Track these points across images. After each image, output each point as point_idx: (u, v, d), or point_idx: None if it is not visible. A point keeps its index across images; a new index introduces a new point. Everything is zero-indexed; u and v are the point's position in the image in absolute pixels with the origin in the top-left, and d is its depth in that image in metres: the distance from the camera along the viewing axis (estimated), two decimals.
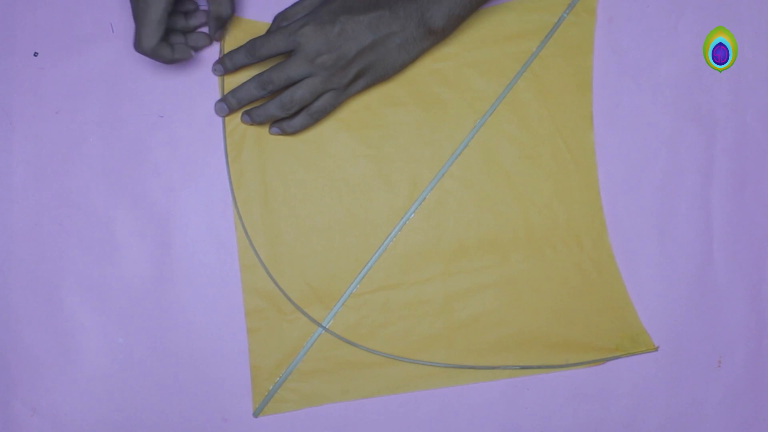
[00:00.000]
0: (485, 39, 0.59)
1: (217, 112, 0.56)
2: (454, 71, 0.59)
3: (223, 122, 0.57)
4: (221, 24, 0.55)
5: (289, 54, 0.53)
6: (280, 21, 0.56)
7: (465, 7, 0.54)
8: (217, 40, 0.57)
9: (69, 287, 0.56)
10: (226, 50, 0.57)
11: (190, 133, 0.57)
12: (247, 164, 0.57)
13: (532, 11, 0.59)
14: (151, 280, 0.56)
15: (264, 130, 0.57)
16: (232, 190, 0.57)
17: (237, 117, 0.57)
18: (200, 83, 0.57)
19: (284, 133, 0.57)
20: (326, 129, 0.58)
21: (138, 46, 0.51)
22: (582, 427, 0.58)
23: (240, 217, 0.57)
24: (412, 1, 0.53)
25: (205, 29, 0.57)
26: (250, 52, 0.54)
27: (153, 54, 0.52)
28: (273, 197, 0.57)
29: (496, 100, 0.59)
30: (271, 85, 0.54)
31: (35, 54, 0.56)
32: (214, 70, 0.56)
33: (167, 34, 0.54)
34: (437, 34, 0.55)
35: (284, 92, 0.54)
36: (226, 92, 0.56)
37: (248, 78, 0.55)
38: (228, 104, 0.56)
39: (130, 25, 0.56)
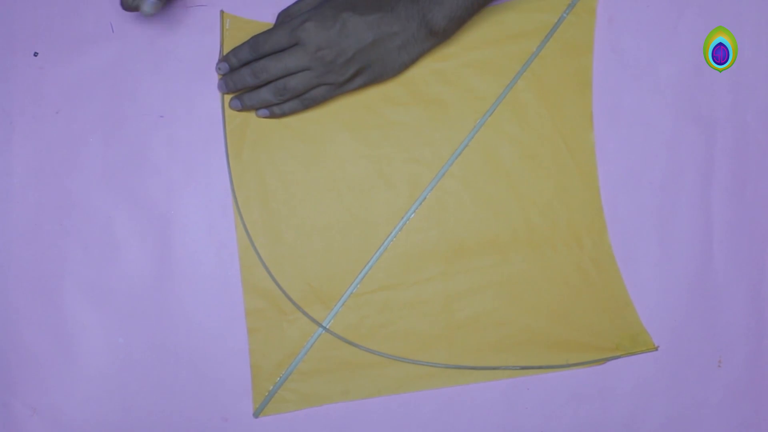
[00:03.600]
0: (485, 39, 0.59)
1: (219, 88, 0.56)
2: (454, 71, 0.59)
3: (223, 122, 0.57)
4: None
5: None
6: (284, 19, 0.56)
7: (467, 9, 0.54)
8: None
9: (69, 287, 0.56)
10: (226, 48, 0.57)
11: (190, 133, 0.57)
12: (247, 164, 0.57)
13: (532, 11, 0.59)
14: (151, 280, 0.56)
15: (264, 131, 0.57)
16: (232, 190, 0.57)
17: (237, 117, 0.57)
18: (200, 83, 0.57)
19: (272, 115, 0.56)
20: (326, 129, 0.58)
21: None
22: (582, 427, 0.58)
23: (240, 217, 0.57)
24: (414, 2, 0.53)
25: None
26: (254, 48, 0.54)
27: None
28: (273, 197, 0.57)
29: (496, 100, 0.59)
30: (264, 74, 0.54)
31: (35, 54, 0.56)
32: (218, 69, 0.56)
33: None
34: (438, 36, 0.55)
35: (279, 80, 0.54)
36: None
37: None
38: (220, 87, 0.56)
39: (130, 25, 0.56)
